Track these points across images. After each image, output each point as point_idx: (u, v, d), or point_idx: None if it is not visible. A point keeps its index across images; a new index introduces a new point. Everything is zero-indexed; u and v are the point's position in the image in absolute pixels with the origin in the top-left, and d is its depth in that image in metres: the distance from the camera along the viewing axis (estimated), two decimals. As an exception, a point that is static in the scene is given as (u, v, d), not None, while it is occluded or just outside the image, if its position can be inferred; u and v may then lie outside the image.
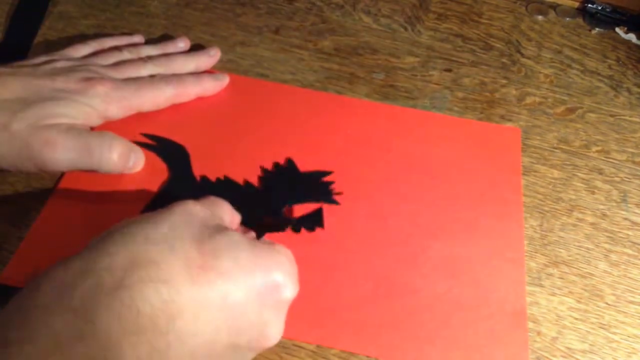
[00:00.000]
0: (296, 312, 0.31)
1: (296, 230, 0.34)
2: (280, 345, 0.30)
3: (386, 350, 0.31)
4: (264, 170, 0.37)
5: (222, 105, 0.40)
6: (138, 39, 0.43)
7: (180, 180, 0.36)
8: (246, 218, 0.35)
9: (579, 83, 0.46)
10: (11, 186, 0.35)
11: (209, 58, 0.42)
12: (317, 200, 0.36)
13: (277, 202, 0.36)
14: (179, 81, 0.38)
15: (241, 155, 0.38)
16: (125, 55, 0.39)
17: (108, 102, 0.35)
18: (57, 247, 0.32)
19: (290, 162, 0.38)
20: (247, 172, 0.37)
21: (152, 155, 0.37)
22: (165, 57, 0.40)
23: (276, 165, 0.38)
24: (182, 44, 0.42)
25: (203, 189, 0.36)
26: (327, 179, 0.37)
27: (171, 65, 0.40)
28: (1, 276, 0.31)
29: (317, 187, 0.37)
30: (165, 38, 0.44)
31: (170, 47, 0.42)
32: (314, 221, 0.35)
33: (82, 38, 0.43)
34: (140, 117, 0.39)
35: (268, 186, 0.36)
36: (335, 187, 0.37)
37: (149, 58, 0.39)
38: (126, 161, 0.34)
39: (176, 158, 0.37)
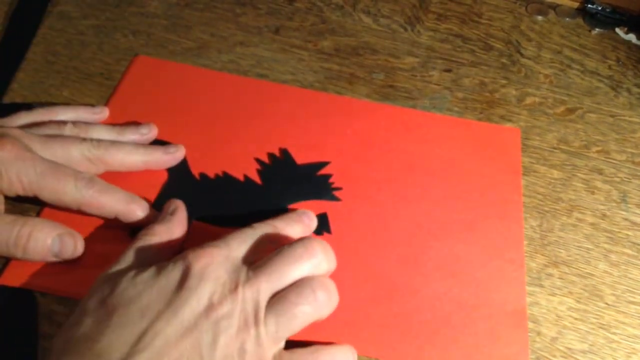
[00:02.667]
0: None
1: None
2: (280, 345, 0.30)
3: (386, 350, 0.31)
4: (261, 163, 0.37)
5: (221, 106, 0.40)
6: (100, 111, 0.38)
7: (180, 180, 0.36)
8: (251, 218, 0.35)
9: (579, 83, 0.46)
10: (11, 186, 0.35)
11: (165, 155, 0.36)
12: (318, 197, 0.36)
13: (278, 198, 0.36)
14: (100, 187, 0.32)
15: (240, 154, 0.38)
16: (66, 131, 0.34)
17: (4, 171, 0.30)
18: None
19: (285, 153, 0.38)
20: (245, 169, 0.37)
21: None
22: (109, 142, 0.35)
23: (272, 156, 0.38)
24: (146, 130, 0.37)
25: (203, 186, 0.36)
26: (324, 171, 0.37)
27: (111, 152, 0.34)
28: (1, 276, 0.31)
29: (315, 181, 0.37)
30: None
31: (129, 133, 0.36)
32: (320, 227, 0.35)
33: (32, 106, 0.37)
34: (136, 117, 0.39)
35: (267, 180, 0.36)
36: (335, 186, 0.37)
37: (92, 139, 0.34)
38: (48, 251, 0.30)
39: None
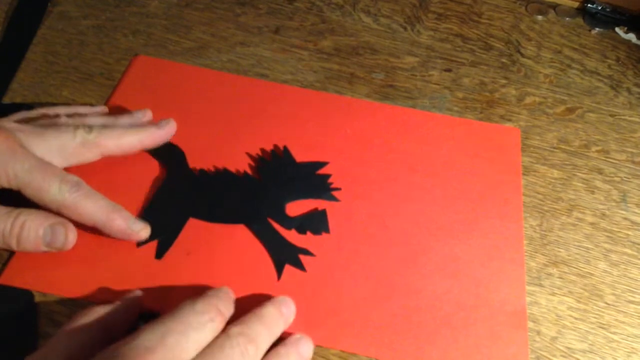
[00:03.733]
0: (296, 312, 0.31)
1: (301, 232, 0.34)
2: (281, 345, 0.30)
3: (386, 350, 0.31)
4: (260, 159, 0.37)
5: (221, 105, 0.40)
6: (100, 111, 0.38)
7: (179, 176, 0.36)
8: (250, 215, 0.35)
9: (579, 83, 0.46)
10: (11, 186, 0.35)
11: (159, 130, 0.36)
12: (317, 196, 0.36)
13: (277, 194, 0.36)
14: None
15: (240, 153, 0.38)
16: (60, 120, 0.34)
17: None
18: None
19: (285, 150, 0.38)
20: (245, 166, 0.37)
21: (148, 156, 0.37)
22: (102, 126, 0.35)
23: (272, 153, 0.38)
24: (140, 114, 0.37)
25: (202, 183, 0.36)
26: (323, 171, 0.37)
27: (105, 135, 0.34)
28: (1, 276, 0.31)
29: (315, 180, 0.37)
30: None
31: (123, 118, 0.37)
32: (319, 225, 0.35)
33: (32, 106, 0.37)
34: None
35: (266, 176, 0.36)
36: (335, 186, 0.37)
37: (85, 125, 0.34)
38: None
39: (172, 156, 0.37)
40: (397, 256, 0.34)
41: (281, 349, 0.28)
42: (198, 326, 0.26)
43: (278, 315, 0.29)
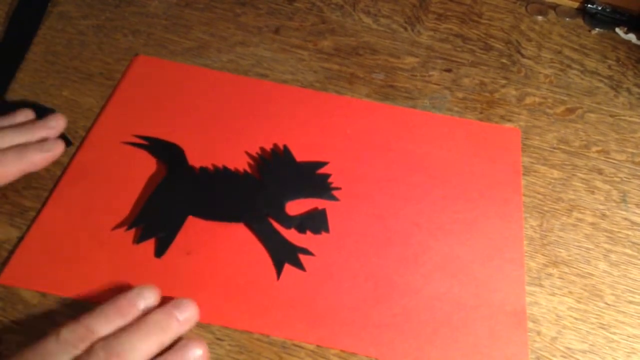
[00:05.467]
0: (296, 312, 0.32)
1: (301, 231, 0.34)
2: (280, 345, 0.30)
3: (386, 350, 0.31)
4: (261, 158, 0.37)
5: (221, 105, 0.40)
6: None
7: (179, 174, 0.36)
8: (250, 213, 0.35)
9: (579, 83, 0.46)
10: (11, 186, 0.35)
11: (40, 154, 0.34)
12: (317, 195, 0.36)
13: (277, 193, 0.36)
14: None
15: (240, 152, 0.38)
16: None
17: None
18: (57, 247, 0.33)
19: (285, 149, 0.38)
20: (245, 164, 0.37)
21: (148, 154, 0.37)
22: None
23: (272, 152, 0.38)
24: (54, 123, 0.36)
25: (202, 180, 0.36)
26: (323, 170, 0.37)
27: None
28: (1, 276, 0.31)
29: (315, 180, 0.37)
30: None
31: (38, 130, 0.36)
32: (319, 224, 0.35)
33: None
34: (136, 117, 0.39)
35: (266, 175, 0.37)
36: (335, 186, 0.37)
37: None
38: None
39: (171, 155, 0.37)
40: (397, 256, 0.34)
41: (167, 357, 0.27)
42: (57, 356, 0.25)
43: (166, 322, 0.28)
